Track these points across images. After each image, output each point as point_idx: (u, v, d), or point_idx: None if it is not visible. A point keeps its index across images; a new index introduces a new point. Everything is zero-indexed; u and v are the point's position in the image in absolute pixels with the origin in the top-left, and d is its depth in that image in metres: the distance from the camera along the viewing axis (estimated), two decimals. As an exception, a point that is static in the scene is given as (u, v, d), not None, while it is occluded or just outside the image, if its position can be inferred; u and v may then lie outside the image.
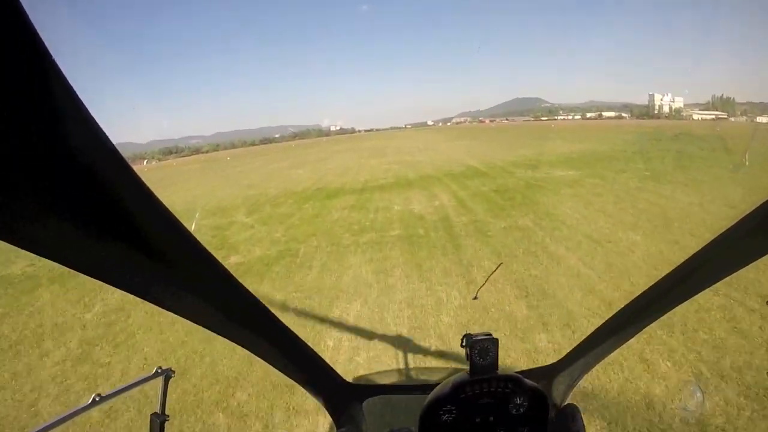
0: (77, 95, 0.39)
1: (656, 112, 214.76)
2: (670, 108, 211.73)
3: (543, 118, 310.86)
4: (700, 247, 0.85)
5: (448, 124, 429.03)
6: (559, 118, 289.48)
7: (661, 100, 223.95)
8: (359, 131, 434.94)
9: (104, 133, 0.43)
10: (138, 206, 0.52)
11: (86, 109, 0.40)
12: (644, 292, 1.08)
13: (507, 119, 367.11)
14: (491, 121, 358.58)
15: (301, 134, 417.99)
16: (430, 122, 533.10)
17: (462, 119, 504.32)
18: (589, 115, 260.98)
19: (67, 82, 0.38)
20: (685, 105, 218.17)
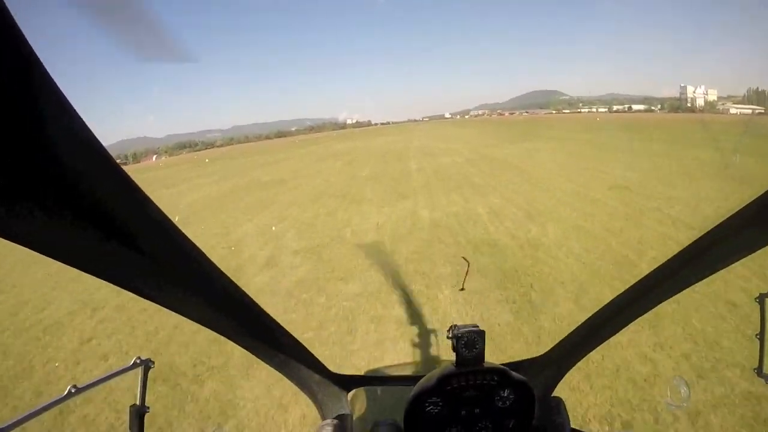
0: (61, 92, 0.40)
1: (689, 105, 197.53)
2: (705, 101, 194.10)
3: (565, 111, 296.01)
4: (692, 240, 0.87)
5: (467, 117, 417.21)
6: (583, 110, 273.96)
7: (694, 92, 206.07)
8: (375, 124, 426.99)
9: (88, 129, 0.43)
10: (122, 200, 0.53)
11: (70, 104, 0.41)
12: (633, 285, 1.08)
13: (527, 112, 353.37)
14: (511, 113, 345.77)
15: (317, 128, 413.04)
16: (447, 114, 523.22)
17: (480, 111, 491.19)
18: (615, 108, 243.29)
19: (52, 79, 0.38)
20: (717, 98, 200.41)
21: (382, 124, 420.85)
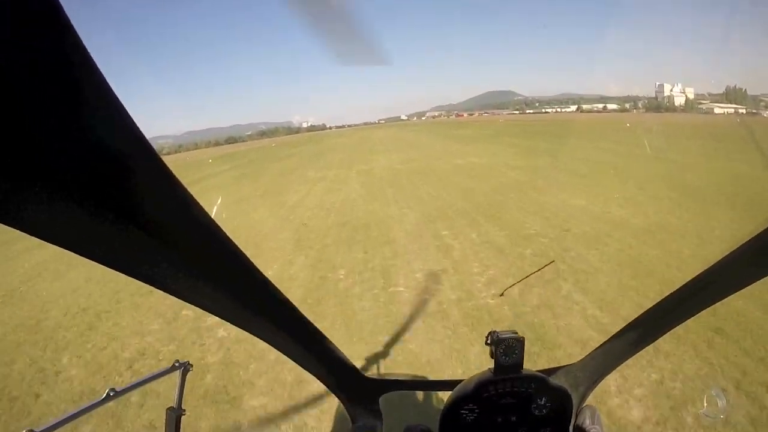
0: (111, 88, 0.38)
1: (667, 104, 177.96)
2: (686, 100, 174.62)
3: (528, 111, 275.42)
4: (727, 254, 0.87)
5: (423, 118, 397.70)
6: (549, 110, 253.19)
7: (671, 90, 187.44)
8: (330, 127, 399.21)
9: (132, 120, 0.41)
10: (155, 191, 0.50)
11: (118, 100, 0.39)
12: (671, 293, 1.06)
13: (486, 112, 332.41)
14: (470, 114, 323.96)
15: (270, 132, 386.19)
16: (403, 116, 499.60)
17: (436, 113, 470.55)
18: (585, 107, 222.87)
19: (102, 76, 0.36)
20: (695, 96, 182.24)
21: (338, 127, 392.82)
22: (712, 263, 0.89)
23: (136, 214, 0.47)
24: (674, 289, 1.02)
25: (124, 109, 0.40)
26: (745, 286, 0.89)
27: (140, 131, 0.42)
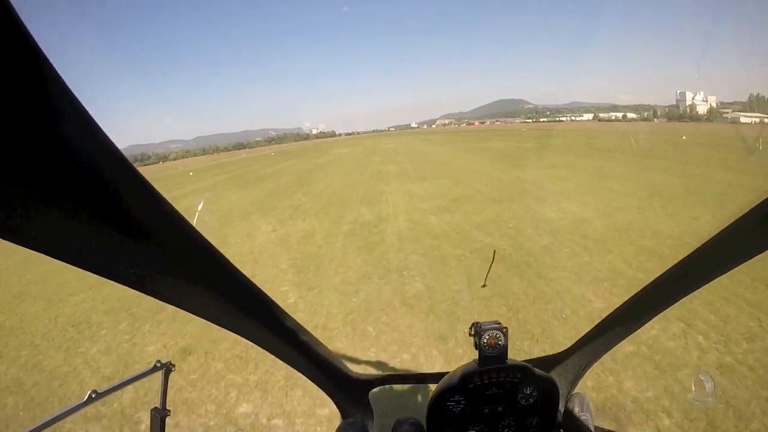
0: (72, 93, 0.38)
1: (689, 112, 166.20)
2: (711, 108, 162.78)
3: (542, 120, 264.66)
4: (711, 237, 0.87)
5: (433, 126, 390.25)
6: (562, 119, 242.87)
7: (693, 99, 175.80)
8: (340, 134, 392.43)
9: (100, 128, 0.41)
10: (135, 198, 0.50)
11: (83, 106, 0.39)
12: (655, 280, 1.06)
13: (497, 121, 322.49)
14: (481, 122, 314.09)
15: (278, 138, 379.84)
16: (414, 124, 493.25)
17: (446, 121, 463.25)
18: (601, 115, 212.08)
19: (62, 80, 0.37)
20: (717, 105, 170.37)
21: (347, 134, 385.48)
22: (699, 245, 0.89)
23: (119, 222, 0.48)
24: (661, 273, 1.02)
25: (89, 114, 0.40)
26: (732, 268, 0.89)
27: (108, 138, 0.42)
